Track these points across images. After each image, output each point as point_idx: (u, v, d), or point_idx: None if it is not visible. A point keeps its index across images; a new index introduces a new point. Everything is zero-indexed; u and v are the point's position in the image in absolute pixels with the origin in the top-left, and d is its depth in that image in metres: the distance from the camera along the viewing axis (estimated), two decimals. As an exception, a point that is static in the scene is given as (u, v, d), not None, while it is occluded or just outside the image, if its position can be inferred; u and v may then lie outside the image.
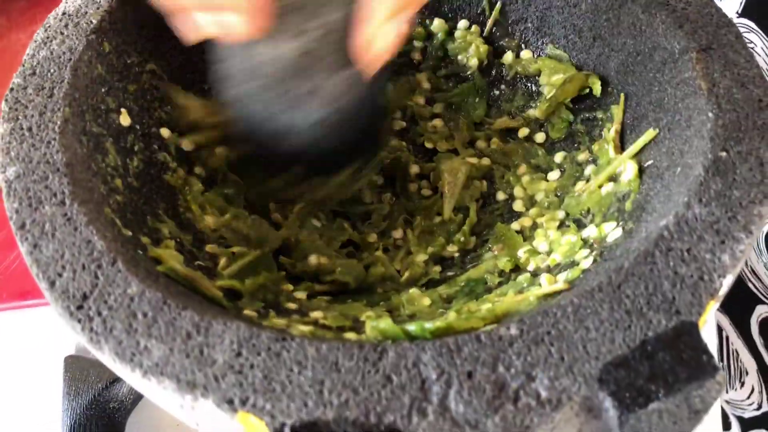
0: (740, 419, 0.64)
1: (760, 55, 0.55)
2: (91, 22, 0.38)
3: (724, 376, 0.27)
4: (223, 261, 0.36)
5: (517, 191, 0.43)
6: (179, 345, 0.27)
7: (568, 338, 0.28)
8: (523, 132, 0.45)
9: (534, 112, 0.45)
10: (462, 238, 0.41)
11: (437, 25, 0.48)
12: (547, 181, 0.43)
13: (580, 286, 0.32)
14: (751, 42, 0.56)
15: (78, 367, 0.48)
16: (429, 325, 0.30)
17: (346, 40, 0.35)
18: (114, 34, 0.39)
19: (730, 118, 0.34)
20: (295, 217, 0.41)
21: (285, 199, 0.42)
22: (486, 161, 0.45)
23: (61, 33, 0.38)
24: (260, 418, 0.26)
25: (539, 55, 0.46)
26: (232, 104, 0.40)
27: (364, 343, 0.28)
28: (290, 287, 0.37)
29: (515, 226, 0.41)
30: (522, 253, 0.38)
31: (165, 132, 0.40)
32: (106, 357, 0.28)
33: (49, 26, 0.38)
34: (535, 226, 0.41)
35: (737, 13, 0.56)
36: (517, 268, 0.38)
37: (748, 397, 0.62)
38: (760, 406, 0.62)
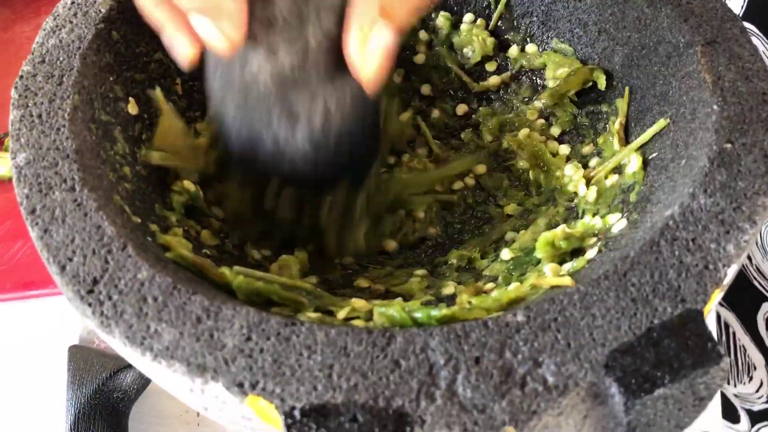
0: (749, 412, 0.65)
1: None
2: (100, 11, 0.38)
3: (728, 363, 0.27)
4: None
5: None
6: (189, 329, 0.28)
7: (574, 325, 0.28)
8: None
9: (538, 104, 0.45)
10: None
11: (443, 18, 0.48)
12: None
13: (585, 276, 0.32)
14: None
15: (82, 357, 0.48)
16: (435, 313, 0.30)
17: (332, 54, 0.34)
18: (122, 23, 0.39)
19: (735, 110, 0.34)
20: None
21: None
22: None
23: (70, 22, 0.38)
24: (270, 401, 0.26)
25: (544, 49, 0.47)
26: (218, 120, 0.39)
27: (372, 328, 0.28)
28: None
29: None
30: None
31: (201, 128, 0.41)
32: (116, 341, 0.28)
33: (58, 15, 0.38)
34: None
35: (739, 16, 0.56)
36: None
37: (757, 391, 0.63)
38: (768, 400, 0.63)
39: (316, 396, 0.26)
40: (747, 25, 0.56)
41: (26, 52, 0.37)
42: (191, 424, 0.47)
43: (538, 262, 0.36)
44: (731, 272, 0.30)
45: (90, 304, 0.29)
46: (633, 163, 0.38)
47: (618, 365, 0.27)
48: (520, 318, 0.28)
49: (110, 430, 0.45)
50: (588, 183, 0.40)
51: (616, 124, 0.41)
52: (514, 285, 0.33)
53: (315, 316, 0.31)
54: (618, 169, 0.39)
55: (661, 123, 0.38)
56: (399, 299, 0.34)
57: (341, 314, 0.32)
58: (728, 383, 0.66)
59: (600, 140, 0.42)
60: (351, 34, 0.32)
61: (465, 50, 0.48)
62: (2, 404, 0.48)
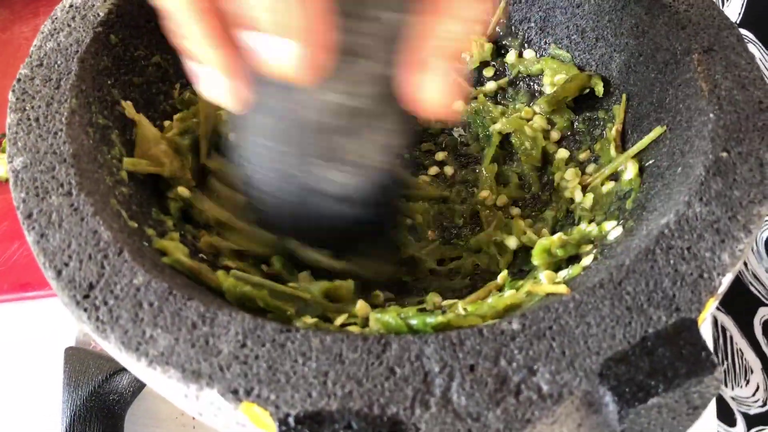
0: (745, 416, 0.65)
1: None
2: (99, 14, 0.38)
3: (722, 372, 0.27)
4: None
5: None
6: (185, 335, 0.28)
7: (569, 333, 0.28)
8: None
9: (536, 109, 0.46)
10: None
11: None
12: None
13: (581, 283, 0.32)
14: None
15: (78, 359, 0.48)
16: (431, 320, 0.30)
17: (392, 88, 0.31)
18: (121, 26, 0.39)
19: (731, 119, 0.34)
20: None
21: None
22: None
23: (69, 25, 0.38)
24: (264, 408, 0.26)
25: (542, 55, 0.47)
26: (245, 160, 0.36)
27: (367, 335, 0.28)
28: None
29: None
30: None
31: (168, 124, 0.41)
32: (111, 346, 0.28)
33: (56, 18, 0.38)
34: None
35: (736, 23, 0.57)
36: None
37: (753, 395, 0.63)
38: (765, 403, 0.63)
39: (311, 403, 0.26)
40: (744, 32, 0.56)
41: (24, 53, 0.37)
42: (187, 426, 0.47)
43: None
44: (726, 281, 0.30)
45: (86, 309, 0.29)
46: (629, 170, 0.38)
47: (612, 374, 0.27)
48: (515, 326, 0.28)
49: (106, 432, 0.45)
50: (584, 189, 0.41)
51: (613, 131, 0.41)
52: (509, 292, 0.33)
53: (311, 321, 0.31)
54: (614, 176, 0.40)
55: (658, 130, 0.38)
56: (395, 306, 0.34)
57: (338, 320, 0.33)
58: (725, 386, 0.66)
59: (597, 147, 0.42)
60: (411, 68, 0.29)
61: (462, 56, 0.48)
62: (-2, 406, 0.48)
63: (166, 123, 0.40)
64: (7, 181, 0.59)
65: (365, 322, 0.32)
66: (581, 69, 0.45)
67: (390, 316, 0.31)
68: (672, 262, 0.30)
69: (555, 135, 0.45)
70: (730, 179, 0.32)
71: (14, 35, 0.70)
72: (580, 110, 0.45)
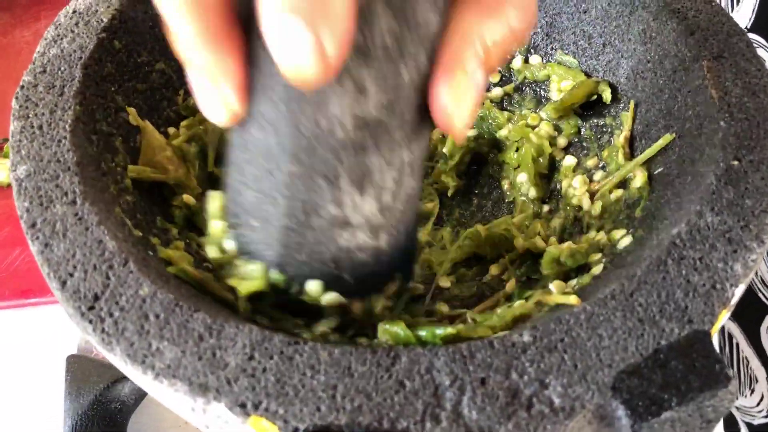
0: (749, 426, 0.64)
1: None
2: (102, 20, 0.38)
3: (736, 385, 0.27)
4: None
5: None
6: (191, 347, 0.27)
7: (581, 346, 0.28)
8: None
9: (543, 115, 0.45)
10: None
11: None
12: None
13: (591, 293, 0.32)
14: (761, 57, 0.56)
15: (80, 367, 0.48)
16: (440, 331, 0.30)
17: (417, 103, 0.27)
18: (124, 32, 0.39)
19: (742, 126, 0.34)
20: None
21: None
22: None
23: (72, 31, 0.38)
24: (273, 422, 0.26)
25: (548, 61, 0.46)
26: (235, 189, 0.31)
27: (376, 347, 0.28)
28: None
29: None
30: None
31: (172, 131, 0.40)
32: (117, 359, 0.28)
33: (59, 24, 0.38)
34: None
35: (747, 28, 0.56)
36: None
37: (758, 405, 0.62)
38: (769, 413, 0.62)
39: (320, 417, 0.26)
40: (755, 36, 0.55)
41: (25, 57, 0.37)
42: (190, 434, 0.47)
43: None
44: (738, 292, 0.29)
45: (91, 321, 0.28)
46: (638, 178, 0.38)
47: (625, 387, 0.27)
48: (526, 338, 0.28)
49: (108, 441, 0.45)
50: (592, 197, 0.40)
51: (621, 138, 0.41)
52: (518, 302, 0.33)
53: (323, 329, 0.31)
54: (623, 184, 0.39)
55: (667, 138, 0.37)
56: (405, 315, 0.33)
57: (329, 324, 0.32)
58: (731, 393, 0.66)
59: (605, 154, 0.42)
60: (448, 76, 0.26)
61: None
62: (-1, 414, 0.48)
63: (171, 130, 0.40)
64: (8, 186, 0.59)
65: (374, 333, 0.32)
66: (588, 75, 0.44)
67: (399, 327, 0.30)
68: (684, 272, 0.30)
69: (562, 142, 0.44)
70: (741, 188, 0.32)
71: (15, 39, 0.70)
72: (587, 117, 0.44)
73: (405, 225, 0.32)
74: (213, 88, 0.25)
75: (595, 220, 0.39)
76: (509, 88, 0.47)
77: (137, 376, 0.28)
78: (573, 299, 0.31)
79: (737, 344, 0.64)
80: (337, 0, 0.22)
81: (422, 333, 0.30)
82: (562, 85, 0.44)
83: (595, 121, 0.44)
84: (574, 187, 0.41)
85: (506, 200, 0.44)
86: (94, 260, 0.30)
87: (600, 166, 0.42)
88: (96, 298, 0.29)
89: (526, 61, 0.47)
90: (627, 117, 0.41)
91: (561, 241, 0.39)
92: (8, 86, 0.35)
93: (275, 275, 0.31)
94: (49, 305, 0.52)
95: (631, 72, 0.42)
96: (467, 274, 0.40)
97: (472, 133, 0.46)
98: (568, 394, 0.26)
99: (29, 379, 0.50)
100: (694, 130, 0.36)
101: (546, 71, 0.46)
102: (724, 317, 0.29)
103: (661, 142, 0.38)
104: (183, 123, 0.40)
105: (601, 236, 0.37)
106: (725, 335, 0.65)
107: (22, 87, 0.35)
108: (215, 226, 0.33)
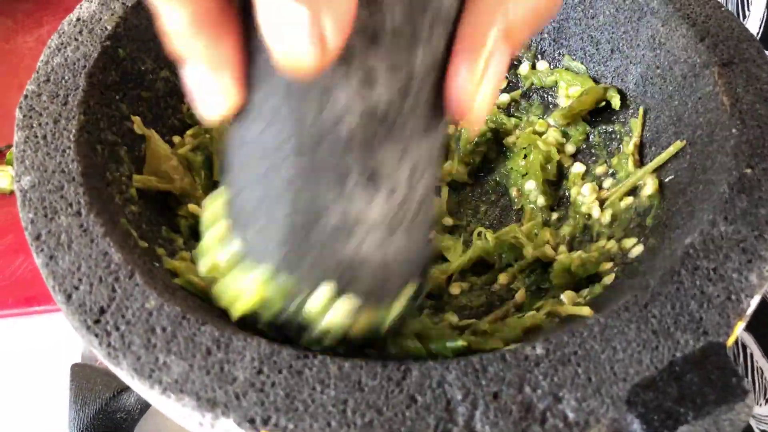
0: (764, 435, 0.64)
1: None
2: (106, 28, 0.38)
3: (752, 398, 0.27)
4: None
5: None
6: (199, 361, 0.27)
7: (595, 359, 0.27)
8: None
9: (551, 122, 0.45)
10: None
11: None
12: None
13: (603, 303, 0.31)
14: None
15: (85, 376, 0.47)
16: (451, 344, 0.30)
17: (432, 92, 0.25)
18: (128, 40, 0.39)
19: (754, 134, 0.33)
20: None
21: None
22: None
23: (76, 39, 0.37)
24: (282, 437, 0.25)
25: (556, 67, 0.46)
26: (236, 190, 0.29)
27: (386, 361, 0.27)
28: None
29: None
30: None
31: (177, 140, 0.40)
32: (124, 373, 0.27)
33: (63, 32, 0.38)
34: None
35: (756, 36, 0.56)
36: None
37: (770, 415, 0.62)
38: (783, 423, 0.62)
39: (330, 433, 0.25)
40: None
41: (28, 63, 0.37)
42: (195, 444, 0.46)
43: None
44: (754, 303, 0.29)
45: (97, 335, 0.28)
46: (649, 185, 0.37)
47: (640, 400, 0.26)
48: (539, 351, 0.27)
49: (113, 452, 0.44)
50: (602, 205, 0.40)
51: (631, 145, 0.40)
52: (530, 313, 0.32)
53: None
54: (633, 192, 0.39)
55: (678, 145, 0.37)
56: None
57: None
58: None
59: (614, 161, 0.41)
60: (468, 53, 0.24)
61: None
62: (2, 425, 0.48)
63: (176, 138, 0.39)
64: (11, 193, 0.58)
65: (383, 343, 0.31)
66: (596, 81, 0.44)
67: (409, 340, 0.30)
68: (698, 283, 0.29)
69: (570, 148, 0.44)
70: (755, 196, 0.31)
71: (17, 45, 0.69)
72: (595, 123, 0.44)
73: (420, 225, 0.30)
74: (210, 77, 0.24)
75: (605, 228, 0.38)
76: (516, 94, 0.47)
77: (144, 390, 0.27)
78: (585, 310, 0.30)
79: (751, 354, 0.63)
80: None
81: (433, 346, 0.30)
82: (570, 92, 0.44)
83: (604, 127, 0.43)
84: (584, 195, 0.40)
85: (515, 207, 0.44)
86: (100, 272, 0.29)
87: (609, 173, 0.42)
88: (102, 311, 0.28)
89: (534, 66, 0.47)
90: (636, 124, 0.41)
91: (570, 249, 0.39)
92: (10, 92, 0.35)
93: (281, 280, 0.29)
94: (52, 313, 0.52)
95: (640, 78, 0.41)
96: (476, 282, 0.39)
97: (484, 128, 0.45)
98: (583, 408, 0.26)
99: (33, 388, 0.49)
100: (705, 137, 0.35)
101: (553, 77, 0.45)
102: (739, 328, 0.29)
103: (671, 150, 0.37)
104: (188, 132, 0.40)
105: (612, 245, 0.36)
106: (739, 345, 0.65)
107: (26, 96, 0.35)
108: (210, 236, 0.30)
